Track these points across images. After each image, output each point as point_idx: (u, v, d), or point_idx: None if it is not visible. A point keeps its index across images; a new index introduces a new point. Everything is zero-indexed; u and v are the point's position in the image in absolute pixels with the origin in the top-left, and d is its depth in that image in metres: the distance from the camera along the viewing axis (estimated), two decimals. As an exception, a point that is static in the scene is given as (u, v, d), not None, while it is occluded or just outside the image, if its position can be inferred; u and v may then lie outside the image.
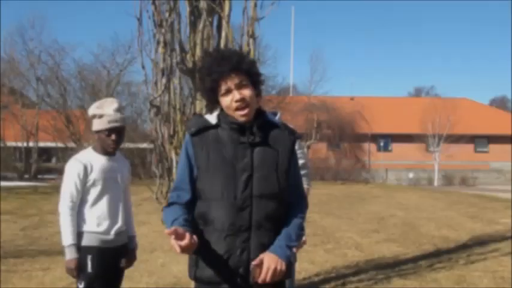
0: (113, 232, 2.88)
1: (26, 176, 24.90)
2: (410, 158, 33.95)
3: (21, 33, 28.15)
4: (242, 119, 1.91)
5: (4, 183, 18.97)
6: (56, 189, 18.10)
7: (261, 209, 1.89)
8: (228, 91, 1.90)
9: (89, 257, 2.80)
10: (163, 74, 4.11)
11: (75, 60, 40.93)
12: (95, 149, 2.93)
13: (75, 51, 66.82)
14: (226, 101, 1.91)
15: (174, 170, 4.21)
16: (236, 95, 1.89)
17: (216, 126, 1.96)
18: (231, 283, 1.88)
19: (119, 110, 2.88)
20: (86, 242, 2.82)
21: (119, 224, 2.92)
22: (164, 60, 4.10)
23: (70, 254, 2.78)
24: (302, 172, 2.90)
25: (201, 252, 1.89)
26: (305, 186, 2.98)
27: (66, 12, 69.25)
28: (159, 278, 5.46)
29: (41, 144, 27.17)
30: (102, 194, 2.85)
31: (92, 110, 2.87)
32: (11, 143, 26.31)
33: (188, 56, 4.16)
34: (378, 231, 8.86)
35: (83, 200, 2.85)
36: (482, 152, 35.11)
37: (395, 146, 35.15)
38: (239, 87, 1.89)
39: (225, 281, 1.89)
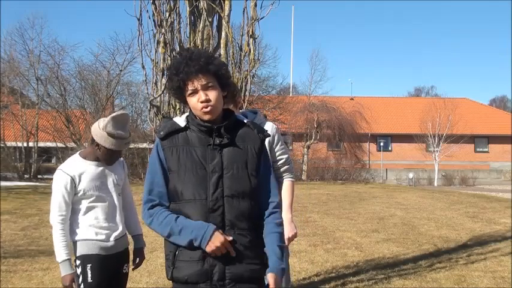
0: (112, 238, 2.81)
1: (26, 176, 24.87)
2: (410, 158, 33.98)
3: (21, 33, 28.14)
4: (206, 118, 1.96)
5: (4, 183, 18.95)
6: (56, 189, 17.88)
7: (233, 208, 1.92)
8: (195, 92, 1.94)
9: (89, 266, 2.72)
10: (163, 74, 4.11)
11: (75, 60, 41.08)
12: (84, 156, 2.83)
13: (75, 51, 67.02)
14: (192, 101, 1.96)
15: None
16: (202, 95, 1.93)
17: (185, 128, 2.01)
18: (207, 282, 1.91)
19: (128, 131, 2.83)
20: (84, 250, 2.75)
21: (119, 230, 2.85)
22: (164, 60, 4.10)
23: (64, 270, 2.69)
24: (286, 166, 3.07)
25: (176, 252, 1.93)
26: (289, 179, 3.12)
27: (66, 12, 69.35)
28: (159, 278, 5.46)
29: (41, 144, 27.14)
30: (95, 201, 2.78)
31: (110, 128, 2.73)
32: (11, 143, 26.26)
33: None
34: (377, 231, 8.86)
35: (75, 209, 2.77)
36: (482, 152, 35.14)
37: (395, 146, 35.18)
38: (205, 88, 1.93)
39: (201, 280, 1.91)
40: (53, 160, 28.94)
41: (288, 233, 2.91)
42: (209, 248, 1.85)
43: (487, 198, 15.44)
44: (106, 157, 2.78)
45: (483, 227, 9.46)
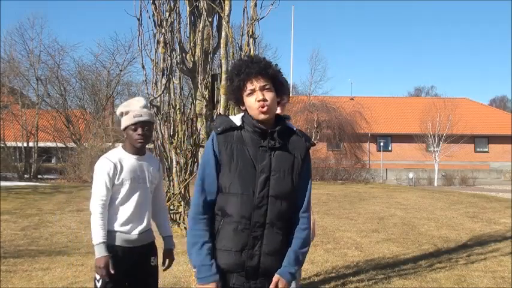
0: (136, 232, 2.86)
1: (26, 176, 24.88)
2: (410, 158, 33.96)
3: (21, 33, 28.19)
4: (261, 117, 2.08)
5: (4, 183, 18.96)
6: (56, 189, 18.06)
7: (275, 208, 2.07)
8: (253, 91, 2.08)
9: (113, 260, 2.77)
10: (163, 74, 4.11)
11: (75, 60, 41.13)
12: (124, 147, 2.93)
13: (75, 51, 67.04)
14: (250, 100, 2.09)
15: (174, 170, 4.21)
16: (259, 95, 2.07)
17: (240, 127, 2.13)
18: (243, 272, 2.06)
19: (146, 106, 2.92)
20: (112, 241, 2.81)
21: (144, 224, 2.91)
22: (164, 60, 4.10)
23: (99, 252, 2.74)
24: None
25: (217, 242, 2.08)
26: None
27: (66, 12, 69.33)
28: (159, 278, 5.45)
29: (41, 144, 27.15)
30: (129, 193, 2.85)
31: (120, 108, 2.90)
32: (11, 143, 26.26)
33: (188, 56, 4.16)
34: (377, 231, 8.86)
35: (111, 198, 2.84)
36: (482, 152, 35.12)
37: (395, 146, 35.16)
38: (263, 89, 2.08)
39: (238, 270, 2.06)
40: (53, 160, 28.94)
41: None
42: None
43: (487, 198, 15.44)
44: (134, 138, 2.85)
45: (483, 227, 9.46)
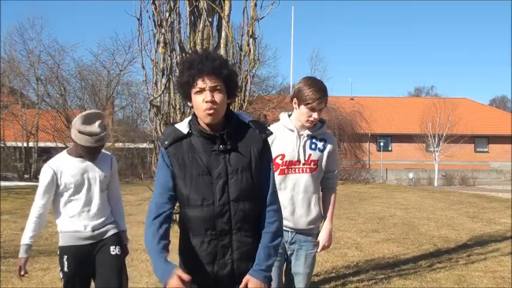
0: (89, 229, 2.97)
1: (26, 176, 24.86)
2: (410, 158, 33.96)
3: (21, 33, 28.16)
4: (207, 120, 1.95)
5: (4, 183, 18.95)
6: (56, 189, 17.86)
7: (239, 211, 1.98)
8: (202, 90, 1.94)
9: (65, 257, 2.94)
10: (163, 74, 4.11)
11: (75, 60, 41.09)
12: (70, 153, 3.04)
13: (75, 51, 67.00)
14: (197, 99, 1.95)
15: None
16: (208, 95, 1.92)
17: (189, 134, 2.02)
18: (218, 284, 1.99)
19: (103, 127, 2.96)
20: (63, 242, 2.97)
21: (98, 221, 3.01)
22: (164, 60, 4.10)
23: (21, 253, 2.92)
24: (335, 179, 3.06)
25: (184, 256, 2.03)
26: (334, 190, 3.07)
27: (66, 12, 69.34)
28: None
29: (41, 144, 27.12)
30: (74, 194, 2.97)
31: (78, 125, 2.91)
32: (11, 143, 26.26)
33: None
34: (377, 231, 8.86)
35: (57, 201, 3.00)
36: (482, 152, 35.13)
37: (395, 146, 35.16)
38: (213, 89, 1.93)
39: (211, 282, 2.00)
40: (53, 160, 28.89)
41: (324, 241, 3.01)
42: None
43: (487, 198, 15.43)
44: (84, 153, 2.97)
45: (483, 227, 9.46)
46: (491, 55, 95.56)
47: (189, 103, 2.04)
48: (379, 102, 37.36)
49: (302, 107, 2.79)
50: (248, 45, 3.89)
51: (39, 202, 2.98)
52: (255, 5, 3.88)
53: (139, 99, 30.15)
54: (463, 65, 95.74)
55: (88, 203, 2.99)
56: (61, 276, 2.97)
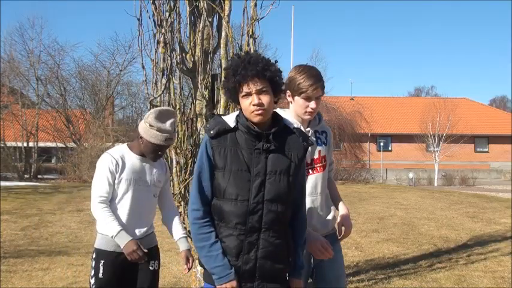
0: (136, 236, 2.72)
1: (26, 176, 24.88)
2: (410, 158, 33.97)
3: (21, 33, 28.19)
4: (256, 120, 2.02)
5: (4, 183, 18.95)
6: (56, 189, 18.03)
7: (271, 212, 2.03)
8: (249, 94, 2.01)
9: (102, 262, 2.69)
10: (163, 74, 4.11)
11: (75, 60, 41.14)
12: (130, 147, 2.83)
13: (75, 51, 67.04)
14: (245, 103, 2.03)
15: (174, 170, 4.21)
16: (255, 99, 2.00)
17: (235, 129, 2.07)
18: (239, 277, 2.02)
19: (175, 127, 2.80)
20: (102, 245, 2.71)
21: (144, 228, 2.79)
22: (164, 60, 4.10)
23: (122, 240, 2.60)
24: (332, 166, 2.87)
25: None
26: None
27: (66, 12, 69.33)
28: (159, 278, 5.45)
29: (41, 144, 27.15)
30: (127, 194, 2.73)
31: (152, 119, 2.72)
32: (11, 143, 26.27)
33: (188, 56, 4.16)
34: (377, 231, 8.86)
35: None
36: (482, 152, 35.14)
37: (395, 146, 35.17)
38: (259, 92, 2.01)
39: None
40: (53, 160, 28.94)
41: (349, 227, 2.73)
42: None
43: (487, 198, 15.43)
44: (148, 151, 2.75)
45: (483, 227, 9.46)
46: (491, 55, 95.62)
47: (237, 106, 2.11)
48: (379, 102, 37.37)
49: (297, 98, 2.51)
50: (248, 45, 3.89)
51: (101, 195, 2.67)
52: (255, 5, 3.88)
53: (139, 99, 30.19)
54: (463, 65, 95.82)
55: (139, 206, 2.75)
56: (92, 282, 2.70)
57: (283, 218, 2.07)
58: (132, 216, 2.74)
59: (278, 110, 2.55)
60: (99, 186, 2.70)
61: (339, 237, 2.69)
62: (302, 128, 2.50)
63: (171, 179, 4.25)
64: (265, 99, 2.00)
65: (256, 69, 1.98)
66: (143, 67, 4.21)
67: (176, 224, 2.94)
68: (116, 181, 2.71)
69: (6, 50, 27.48)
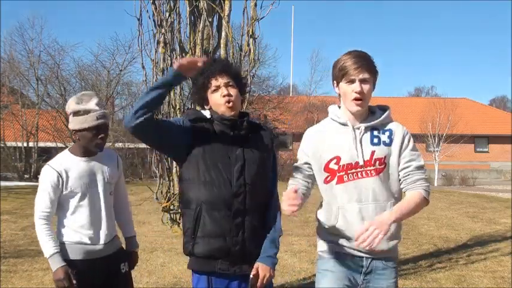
0: (100, 242, 2.59)
1: (26, 176, 24.87)
2: (410, 158, 33.92)
3: (21, 33, 28.15)
4: (228, 111, 2.17)
5: (4, 183, 18.95)
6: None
7: (253, 195, 2.16)
8: (218, 88, 2.18)
9: (74, 272, 2.48)
10: (163, 74, 4.11)
11: (75, 60, 41.08)
12: (73, 151, 2.61)
13: (75, 51, 67.03)
14: (215, 96, 2.19)
15: (174, 170, 4.21)
16: (224, 90, 2.17)
17: (210, 120, 2.21)
18: (227, 259, 2.13)
19: (102, 104, 2.58)
20: (69, 255, 2.53)
21: (107, 232, 2.62)
22: (164, 60, 4.10)
23: (54, 264, 2.46)
24: (418, 174, 2.40)
25: (198, 229, 2.14)
26: (423, 191, 2.33)
27: (66, 12, 69.36)
28: (159, 278, 5.46)
29: (41, 144, 27.13)
30: (83, 201, 2.56)
31: (73, 105, 2.51)
32: (11, 143, 26.27)
33: (188, 56, 4.16)
34: (377, 231, 8.85)
35: (62, 208, 2.58)
36: (482, 152, 35.11)
37: (395, 146, 35.13)
38: (227, 85, 2.19)
39: (222, 256, 2.13)
40: (53, 160, 28.88)
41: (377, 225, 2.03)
42: (176, 65, 2.05)
43: (487, 198, 15.43)
44: (88, 140, 2.51)
45: (483, 227, 9.46)
46: (491, 55, 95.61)
47: (206, 106, 2.26)
48: (379, 102, 37.25)
49: (341, 84, 2.16)
50: (248, 45, 3.89)
51: (42, 211, 2.52)
52: (255, 5, 3.89)
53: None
54: (463, 65, 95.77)
55: (98, 209, 2.59)
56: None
57: (263, 201, 2.22)
58: (93, 223, 2.58)
59: (332, 106, 2.30)
60: (40, 201, 2.55)
61: (357, 241, 2.02)
62: (349, 124, 2.20)
63: (171, 179, 4.26)
64: (232, 91, 2.18)
65: (222, 64, 2.24)
66: (143, 67, 4.22)
67: (128, 220, 2.85)
68: (65, 192, 2.54)
69: (6, 50, 27.48)
